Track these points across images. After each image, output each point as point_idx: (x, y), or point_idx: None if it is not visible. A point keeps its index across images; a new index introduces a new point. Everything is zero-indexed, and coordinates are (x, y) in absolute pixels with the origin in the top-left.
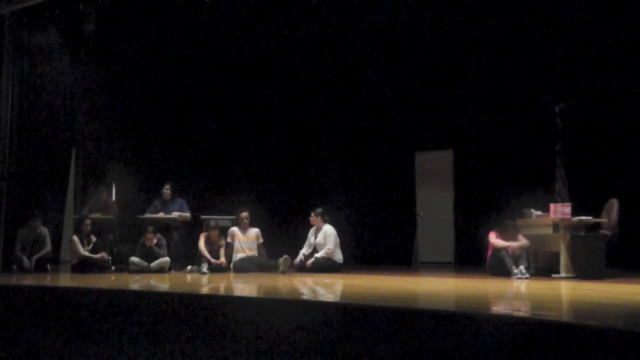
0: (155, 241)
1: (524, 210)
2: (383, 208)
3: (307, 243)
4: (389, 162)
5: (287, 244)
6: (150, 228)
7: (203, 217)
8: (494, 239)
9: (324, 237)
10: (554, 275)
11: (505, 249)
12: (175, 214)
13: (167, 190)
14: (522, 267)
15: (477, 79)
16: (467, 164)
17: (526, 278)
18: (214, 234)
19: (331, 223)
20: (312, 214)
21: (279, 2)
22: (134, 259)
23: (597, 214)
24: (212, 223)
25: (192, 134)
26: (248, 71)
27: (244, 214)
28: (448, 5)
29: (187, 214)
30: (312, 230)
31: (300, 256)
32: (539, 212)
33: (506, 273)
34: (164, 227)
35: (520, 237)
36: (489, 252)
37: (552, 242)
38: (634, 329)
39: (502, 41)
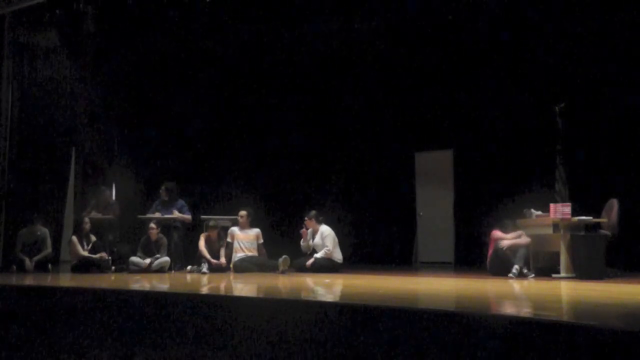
0: (158, 235)
1: (524, 210)
2: (383, 208)
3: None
4: (389, 162)
5: (287, 244)
6: (153, 221)
7: (203, 217)
8: (499, 234)
9: (322, 238)
10: (554, 275)
11: (508, 247)
12: (175, 213)
13: (163, 191)
14: (524, 268)
15: (477, 79)
16: (467, 164)
17: (531, 277)
18: (214, 234)
19: (331, 223)
20: (306, 218)
21: (279, 4)
22: (134, 259)
23: (597, 214)
24: (211, 223)
25: (192, 134)
26: (249, 72)
27: (243, 213)
28: (448, 6)
29: (188, 216)
30: (309, 232)
31: (304, 231)
32: (539, 212)
33: (506, 273)
34: (164, 228)
35: (522, 234)
36: (490, 252)
37: (552, 242)
38: (634, 329)
39: (502, 41)
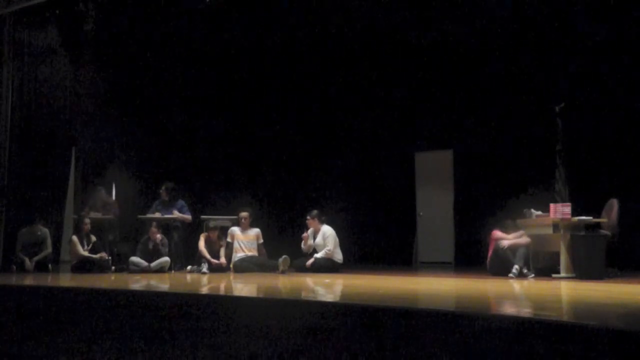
0: (159, 236)
1: (524, 210)
2: (383, 208)
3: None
4: (389, 162)
5: (287, 244)
6: (154, 223)
7: (203, 217)
8: (499, 235)
9: (323, 238)
10: (554, 275)
11: (508, 247)
12: (175, 213)
13: (163, 191)
14: (524, 267)
15: (477, 79)
16: (467, 164)
17: (531, 277)
18: (214, 234)
19: (331, 223)
20: (308, 217)
21: (278, 6)
22: (134, 259)
23: (597, 214)
24: (211, 223)
25: (192, 134)
26: (248, 71)
27: (244, 214)
28: (448, 7)
29: (188, 216)
30: (309, 232)
31: (305, 234)
32: (539, 212)
33: (506, 273)
34: (164, 228)
35: (523, 234)
36: (490, 252)
37: (552, 242)
38: (634, 329)
39: (502, 41)
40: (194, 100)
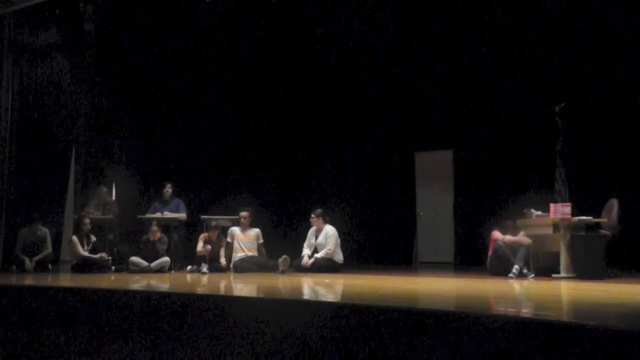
0: (158, 235)
1: (524, 210)
2: (383, 208)
3: (307, 243)
4: (389, 162)
5: (287, 244)
6: (154, 222)
7: (203, 217)
8: (499, 235)
9: (326, 238)
10: (554, 275)
11: (507, 246)
12: (170, 214)
13: (168, 189)
14: (524, 267)
15: (477, 79)
16: (467, 164)
17: (531, 277)
18: (214, 234)
19: (331, 223)
20: (313, 215)
21: (279, 6)
22: (134, 259)
23: (597, 214)
24: (212, 223)
25: (192, 134)
26: (249, 71)
27: (245, 214)
28: (447, 6)
29: (183, 214)
30: (312, 231)
31: (305, 257)
32: (539, 212)
33: (506, 273)
34: (164, 228)
35: (522, 234)
36: (490, 252)
37: (552, 242)
38: (634, 329)
39: (502, 41)
40: (194, 100)
